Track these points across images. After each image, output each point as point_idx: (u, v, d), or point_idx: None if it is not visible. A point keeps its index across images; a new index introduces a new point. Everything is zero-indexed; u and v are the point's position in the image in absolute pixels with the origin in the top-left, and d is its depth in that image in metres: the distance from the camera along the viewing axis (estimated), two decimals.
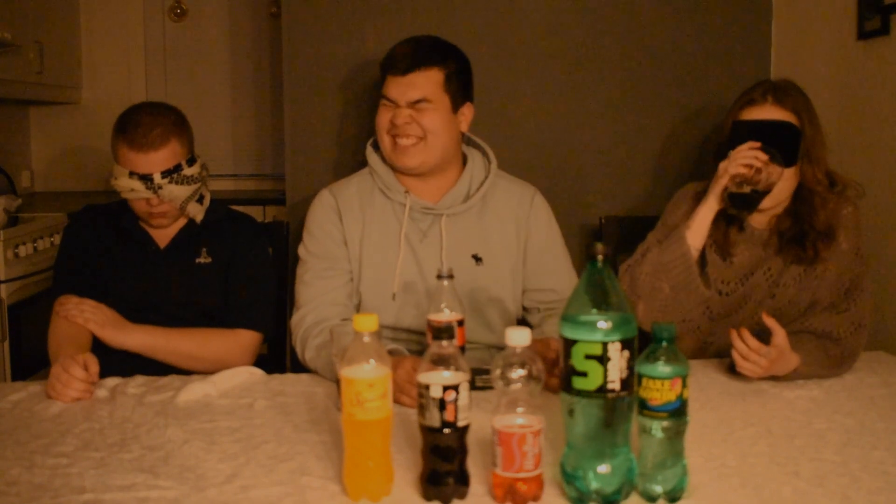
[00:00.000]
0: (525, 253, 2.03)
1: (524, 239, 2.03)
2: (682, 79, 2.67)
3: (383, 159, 2.03)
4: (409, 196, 1.97)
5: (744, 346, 1.68)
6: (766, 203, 1.85)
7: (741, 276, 1.92)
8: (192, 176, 1.99)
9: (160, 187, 1.94)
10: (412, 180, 2.00)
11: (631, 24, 2.65)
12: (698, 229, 1.86)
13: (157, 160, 1.94)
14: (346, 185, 2.04)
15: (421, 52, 1.96)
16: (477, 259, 1.99)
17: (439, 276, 1.57)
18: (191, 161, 2.00)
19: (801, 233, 1.88)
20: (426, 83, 1.94)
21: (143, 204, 1.98)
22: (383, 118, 1.97)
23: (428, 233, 1.98)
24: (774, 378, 1.73)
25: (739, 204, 1.82)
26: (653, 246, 1.93)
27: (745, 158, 1.79)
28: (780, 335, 1.68)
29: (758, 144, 1.81)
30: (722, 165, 1.83)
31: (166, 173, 1.95)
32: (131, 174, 1.94)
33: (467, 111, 2.02)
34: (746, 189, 1.80)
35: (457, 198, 2.00)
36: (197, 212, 2.05)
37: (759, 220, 1.94)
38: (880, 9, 2.20)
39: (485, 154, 2.08)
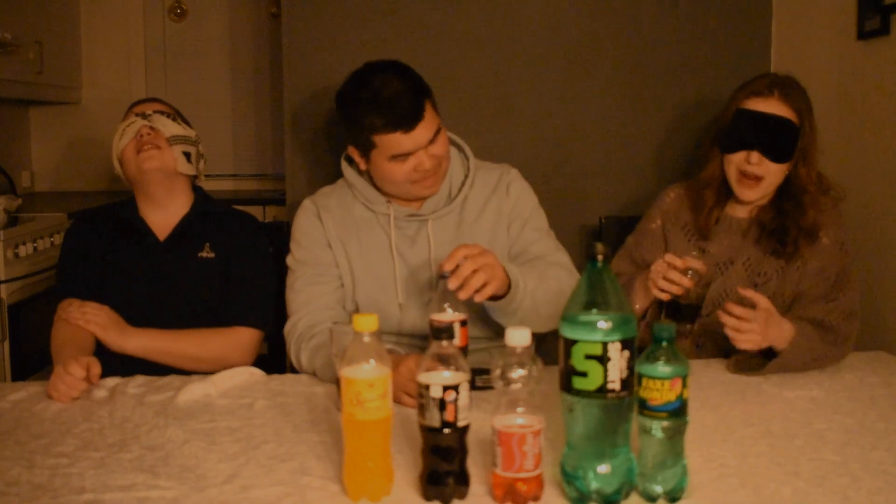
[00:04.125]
0: (509, 235, 1.99)
1: (506, 222, 1.99)
2: (682, 79, 2.67)
3: (359, 172, 2.00)
4: (392, 206, 1.96)
5: (732, 319, 1.70)
6: (752, 195, 1.89)
7: (719, 264, 1.94)
8: (184, 128, 2.10)
9: (151, 115, 2.08)
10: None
11: (630, 23, 2.65)
12: (639, 309, 1.87)
13: (154, 107, 2.12)
14: (327, 197, 2.03)
15: (411, 93, 1.83)
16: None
17: (441, 276, 1.57)
18: (187, 125, 2.12)
19: (783, 227, 1.90)
20: (429, 119, 1.85)
21: (136, 143, 2.04)
22: (399, 172, 1.86)
23: (416, 239, 1.96)
24: (775, 377, 1.74)
25: (675, 315, 1.76)
26: (628, 272, 1.96)
27: (667, 285, 1.74)
28: (762, 300, 1.71)
29: (680, 265, 1.73)
30: (654, 269, 1.78)
31: (160, 112, 2.10)
32: (131, 119, 2.07)
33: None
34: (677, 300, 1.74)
35: (440, 200, 1.98)
36: (185, 168, 2.09)
37: (740, 210, 1.98)
38: (880, 9, 2.19)
39: (460, 149, 2.04)
